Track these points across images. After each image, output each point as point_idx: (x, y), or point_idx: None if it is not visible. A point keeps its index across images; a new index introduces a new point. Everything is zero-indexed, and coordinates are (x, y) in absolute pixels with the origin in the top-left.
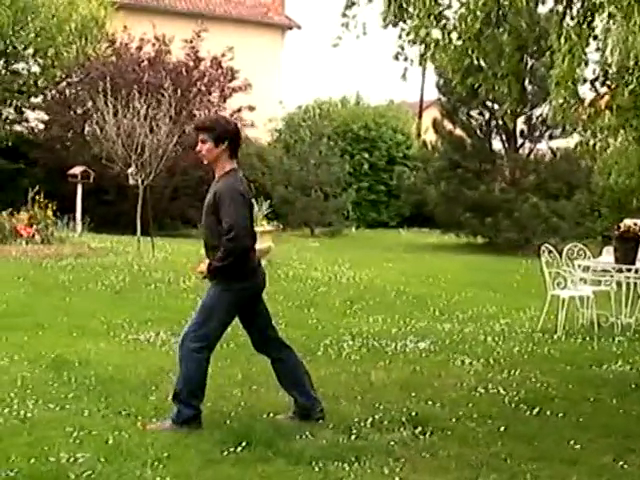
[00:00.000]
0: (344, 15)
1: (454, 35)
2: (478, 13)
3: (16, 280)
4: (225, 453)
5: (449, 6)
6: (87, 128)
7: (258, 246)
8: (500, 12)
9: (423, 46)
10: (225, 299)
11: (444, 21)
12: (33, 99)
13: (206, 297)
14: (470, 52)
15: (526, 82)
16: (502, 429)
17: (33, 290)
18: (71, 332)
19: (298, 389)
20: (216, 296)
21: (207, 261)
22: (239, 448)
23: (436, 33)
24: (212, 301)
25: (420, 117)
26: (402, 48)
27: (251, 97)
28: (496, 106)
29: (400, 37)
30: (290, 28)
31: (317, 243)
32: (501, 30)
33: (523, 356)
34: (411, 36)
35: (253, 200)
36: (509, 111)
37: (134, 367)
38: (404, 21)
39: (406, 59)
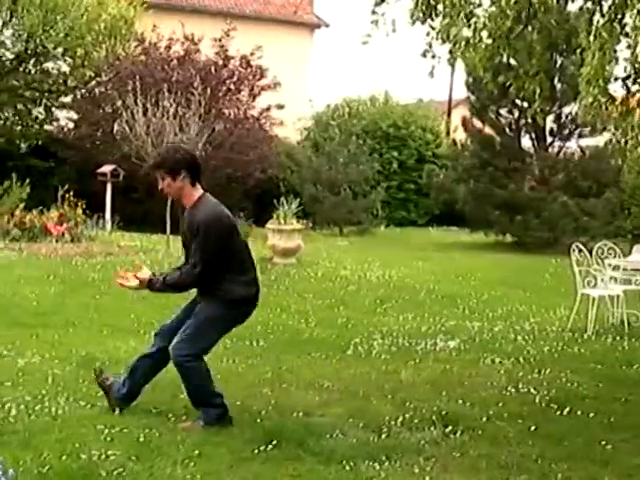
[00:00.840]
0: (373, 12)
1: (484, 33)
2: (509, 12)
3: (46, 278)
4: (255, 451)
5: (479, 4)
6: (116, 127)
7: (287, 244)
8: (530, 10)
9: (453, 44)
10: (228, 315)
11: (474, 19)
12: (63, 98)
13: (204, 309)
14: (501, 50)
15: (555, 80)
16: (532, 429)
17: (63, 288)
18: (101, 330)
19: (134, 380)
20: (218, 310)
21: (147, 275)
22: (269, 446)
23: (466, 31)
24: (206, 313)
25: (449, 115)
26: (430, 46)
27: (280, 96)
28: (525, 104)
29: (428, 35)
30: (319, 27)
31: (346, 242)
32: (530, 29)
33: (553, 355)
34: (441, 34)
35: (283, 198)
36: (539, 109)
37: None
38: (432, 19)
39: (434, 57)
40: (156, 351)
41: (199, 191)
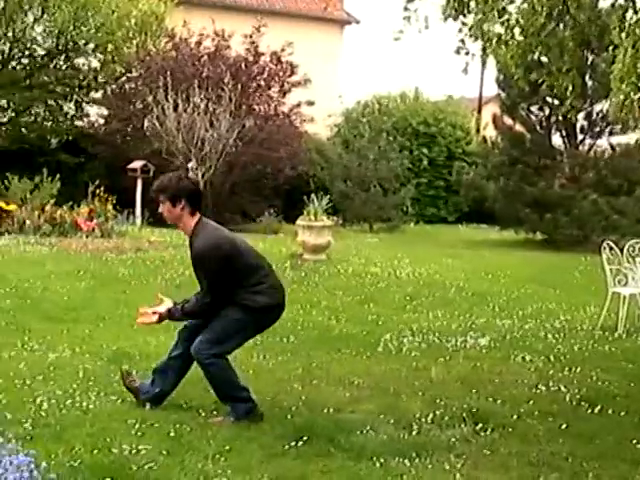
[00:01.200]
0: (406, 9)
1: (516, 30)
2: (541, 8)
3: (77, 273)
4: (286, 447)
5: (511, 1)
6: (147, 122)
7: (317, 241)
8: (562, 7)
9: (485, 41)
10: (255, 322)
11: (506, 16)
12: (93, 94)
13: (232, 312)
14: (533, 47)
15: (587, 77)
16: (563, 427)
17: (94, 283)
18: (132, 325)
19: (165, 382)
20: (246, 316)
21: (167, 306)
22: (300, 442)
23: (498, 28)
24: (240, 318)
25: (479, 112)
26: (463, 42)
27: (310, 92)
28: (556, 102)
29: (460, 31)
30: (349, 23)
31: (376, 238)
32: (562, 26)
33: (584, 353)
34: (473, 31)
35: (313, 195)
36: (571, 106)
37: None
38: (464, 15)
39: (467, 53)
40: (184, 351)
41: (197, 217)
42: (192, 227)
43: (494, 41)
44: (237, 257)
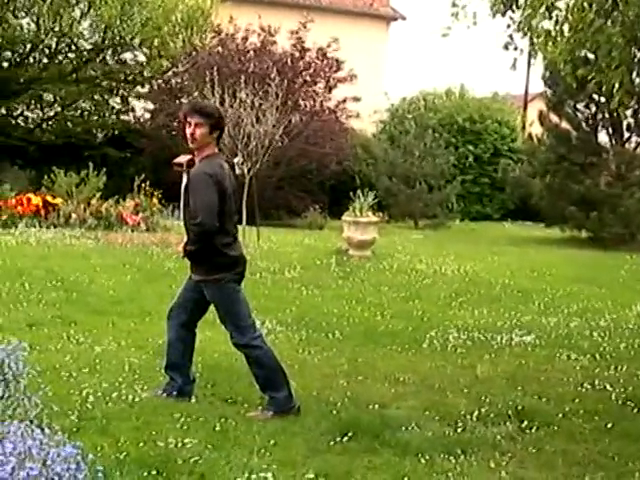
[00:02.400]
0: (454, 5)
1: (565, 26)
2: (588, 6)
3: (122, 267)
4: (331, 443)
5: None
6: None
7: (363, 237)
8: (612, 4)
9: (534, 37)
10: (224, 293)
11: (556, 12)
12: (139, 88)
13: (214, 299)
14: (582, 43)
15: (634, 75)
16: (609, 426)
17: (139, 277)
18: None
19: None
20: (217, 296)
21: (185, 240)
22: (345, 438)
23: (547, 24)
24: (221, 302)
25: (525, 109)
26: (511, 38)
27: (356, 88)
28: (603, 99)
29: (509, 27)
30: (395, 19)
31: (421, 235)
32: (610, 22)
33: (630, 352)
34: (521, 26)
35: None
36: (620, 103)
37: (240, 356)
38: (513, 11)
39: (516, 49)
40: (177, 332)
41: (214, 150)
42: (205, 155)
43: (542, 37)
44: (225, 198)
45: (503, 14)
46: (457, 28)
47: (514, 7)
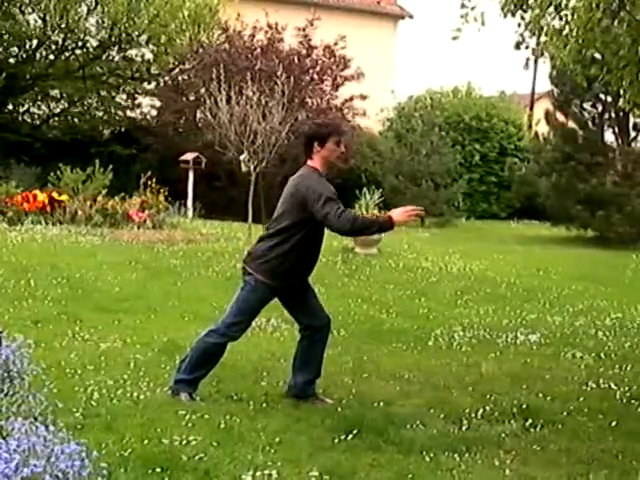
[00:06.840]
0: (463, 6)
1: (574, 26)
2: (594, 6)
3: (128, 264)
4: (336, 440)
5: None
6: (199, 114)
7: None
8: (619, 4)
9: (543, 36)
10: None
11: (565, 11)
12: (146, 85)
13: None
14: (592, 42)
15: None
16: (613, 425)
17: (145, 274)
18: (182, 317)
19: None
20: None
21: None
22: (350, 436)
23: (556, 23)
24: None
25: (531, 108)
26: (522, 37)
27: (363, 86)
28: (609, 98)
29: (519, 26)
30: (402, 17)
31: (427, 233)
32: (617, 22)
33: (634, 352)
34: (531, 26)
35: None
36: (629, 102)
37: (245, 353)
38: (524, 11)
39: (527, 48)
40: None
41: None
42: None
43: (551, 37)
44: None
45: (513, 14)
46: (466, 29)
47: (525, 7)
